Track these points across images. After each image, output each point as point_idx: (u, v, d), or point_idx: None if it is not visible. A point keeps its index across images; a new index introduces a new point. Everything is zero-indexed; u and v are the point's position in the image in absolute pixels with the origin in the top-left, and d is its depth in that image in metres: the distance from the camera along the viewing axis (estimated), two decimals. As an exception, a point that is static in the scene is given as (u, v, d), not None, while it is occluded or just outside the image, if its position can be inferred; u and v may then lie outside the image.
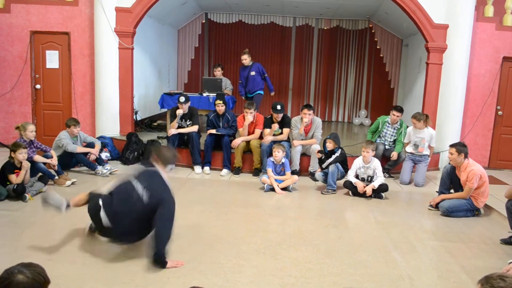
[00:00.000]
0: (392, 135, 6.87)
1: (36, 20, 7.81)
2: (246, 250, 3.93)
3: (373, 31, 10.77)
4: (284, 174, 5.99)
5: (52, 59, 7.97)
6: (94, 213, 3.60)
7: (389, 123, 6.87)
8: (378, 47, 10.78)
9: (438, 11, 7.36)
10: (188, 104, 6.85)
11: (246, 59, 8.06)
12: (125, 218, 3.50)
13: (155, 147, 3.79)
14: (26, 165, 5.22)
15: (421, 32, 7.54)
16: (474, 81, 7.66)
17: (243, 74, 8.18)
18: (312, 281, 3.41)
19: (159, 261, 3.42)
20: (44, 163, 5.68)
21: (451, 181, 5.46)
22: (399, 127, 6.83)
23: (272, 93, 8.43)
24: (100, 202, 3.57)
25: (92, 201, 3.67)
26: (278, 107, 6.58)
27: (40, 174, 5.56)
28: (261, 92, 8.18)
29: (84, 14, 7.78)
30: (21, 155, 5.13)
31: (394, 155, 6.65)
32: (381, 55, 10.78)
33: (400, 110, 6.88)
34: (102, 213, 3.51)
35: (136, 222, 3.52)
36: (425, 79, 7.67)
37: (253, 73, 8.05)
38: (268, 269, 3.58)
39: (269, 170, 5.96)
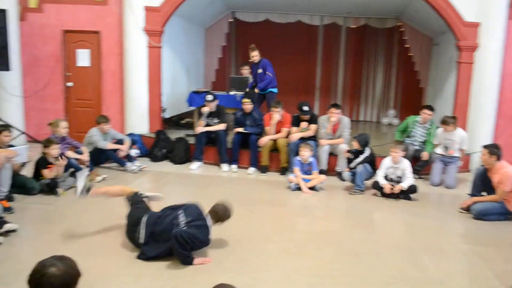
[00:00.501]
0: (422, 135, 6.72)
1: (68, 19, 7.98)
2: (272, 249, 3.93)
3: (402, 29, 10.57)
4: (311, 174, 5.95)
5: (83, 58, 8.13)
6: (133, 223, 3.68)
7: (419, 123, 6.73)
8: (407, 45, 10.57)
9: (469, 8, 7.17)
10: (216, 102, 6.87)
11: (256, 56, 7.52)
12: (159, 241, 3.57)
13: (219, 203, 3.83)
14: (64, 162, 5.39)
15: (451, 30, 7.37)
16: (507, 81, 7.42)
17: (254, 72, 7.76)
18: (338, 281, 3.39)
19: (185, 263, 3.49)
20: (76, 159, 5.83)
21: (483, 183, 5.31)
22: (429, 127, 6.68)
23: (256, 90, 7.49)
24: (145, 219, 3.64)
25: (137, 211, 3.77)
26: (305, 108, 6.50)
27: (72, 169, 5.70)
28: (273, 90, 7.64)
29: (114, 14, 7.91)
30: (54, 151, 5.29)
31: (424, 155, 6.51)
32: (410, 54, 10.57)
33: (432, 109, 6.74)
34: (142, 230, 3.60)
35: (167, 247, 3.56)
36: (457, 79, 7.50)
37: (260, 70, 7.55)
38: (295, 268, 3.57)
39: (296, 169, 5.94)
